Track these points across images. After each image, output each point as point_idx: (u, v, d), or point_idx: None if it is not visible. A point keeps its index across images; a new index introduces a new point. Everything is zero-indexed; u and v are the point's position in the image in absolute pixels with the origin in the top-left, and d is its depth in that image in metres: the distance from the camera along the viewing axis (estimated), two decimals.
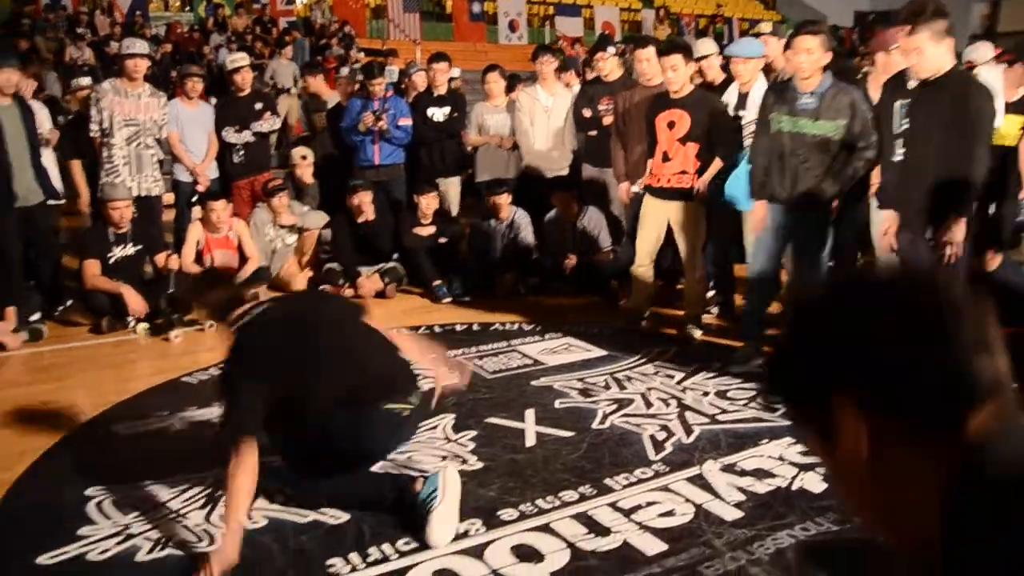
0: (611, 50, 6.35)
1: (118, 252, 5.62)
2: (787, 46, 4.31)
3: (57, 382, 4.51)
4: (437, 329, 5.37)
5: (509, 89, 7.04)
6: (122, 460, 3.46)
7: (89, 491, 3.14)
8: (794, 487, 3.13)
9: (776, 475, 3.23)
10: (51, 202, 5.74)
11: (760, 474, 3.24)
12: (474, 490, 3.13)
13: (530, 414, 3.88)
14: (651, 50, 5.39)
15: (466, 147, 6.98)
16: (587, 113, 6.20)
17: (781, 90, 4.38)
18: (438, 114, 6.76)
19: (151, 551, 2.75)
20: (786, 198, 4.34)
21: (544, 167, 6.45)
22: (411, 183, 6.78)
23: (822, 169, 4.23)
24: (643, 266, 5.18)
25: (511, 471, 3.30)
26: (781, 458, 3.38)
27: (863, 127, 4.15)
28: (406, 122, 6.66)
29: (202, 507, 3.04)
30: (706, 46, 5.68)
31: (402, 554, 2.71)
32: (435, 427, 3.74)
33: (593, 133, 6.18)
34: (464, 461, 3.40)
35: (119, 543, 2.80)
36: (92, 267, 5.49)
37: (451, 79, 7.87)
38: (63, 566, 2.68)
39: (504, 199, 6.32)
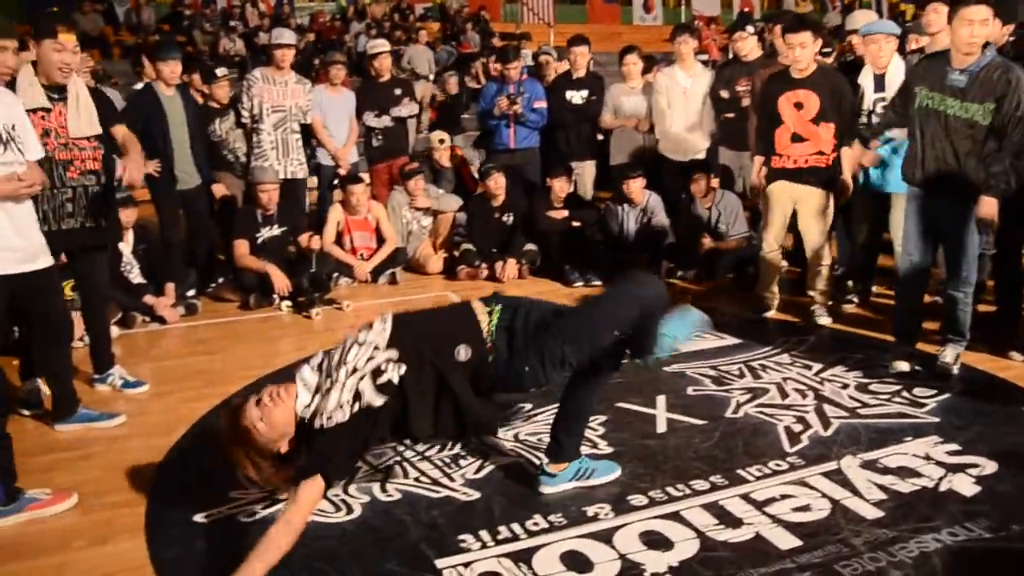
0: (750, 29, 6.15)
1: (265, 233, 5.92)
2: (951, 16, 3.80)
3: (210, 354, 4.80)
4: None
5: (645, 71, 6.94)
6: None
7: None
8: (941, 488, 2.97)
9: (922, 475, 3.07)
10: None
11: (904, 473, 3.09)
12: None
13: (661, 400, 3.84)
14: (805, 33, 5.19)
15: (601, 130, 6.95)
16: (724, 94, 6.03)
17: (933, 62, 3.98)
18: (576, 97, 6.74)
19: None
20: (922, 181, 4.00)
21: (680, 150, 6.32)
22: (545, 166, 6.80)
23: (968, 157, 3.82)
24: (772, 251, 5.03)
25: (641, 457, 3.28)
26: (927, 457, 3.21)
27: (1019, 111, 3.68)
28: (541, 105, 6.68)
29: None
30: (865, 17, 5.40)
31: (531, 534, 2.74)
32: None
33: (731, 115, 6.01)
34: (594, 445, 3.40)
35: (265, 507, 2.96)
36: (242, 247, 5.81)
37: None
38: (216, 524, 2.87)
39: (638, 183, 6.25)
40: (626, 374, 4.18)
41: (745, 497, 2.94)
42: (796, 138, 4.76)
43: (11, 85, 3.56)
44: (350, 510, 2.95)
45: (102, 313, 4.27)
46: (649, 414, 3.71)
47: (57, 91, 3.76)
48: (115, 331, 5.14)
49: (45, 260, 3.45)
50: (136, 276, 5.46)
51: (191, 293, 5.77)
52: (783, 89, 4.77)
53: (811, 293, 5.06)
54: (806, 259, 5.12)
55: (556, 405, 3.73)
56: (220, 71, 6.48)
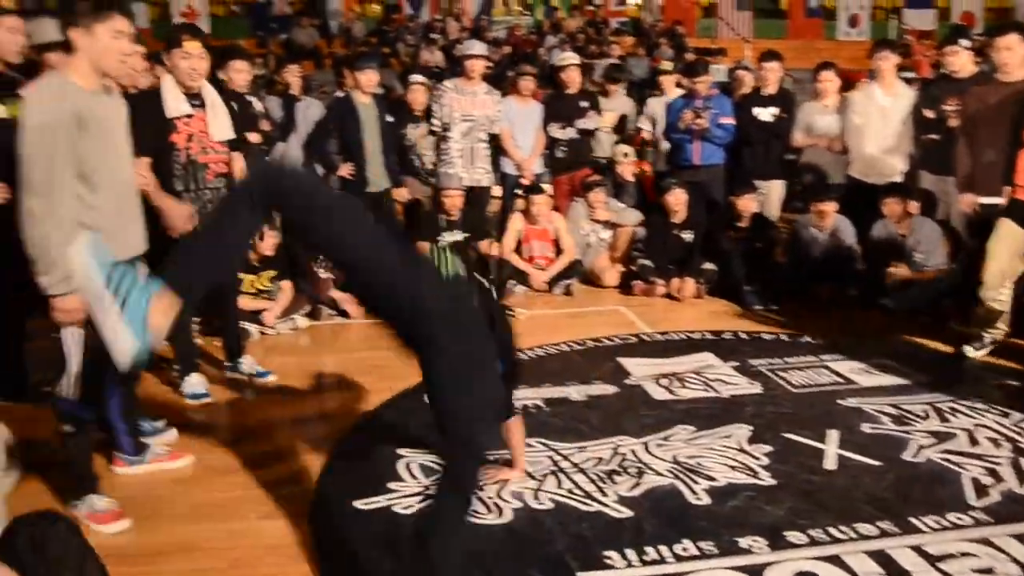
0: (963, 43, 5.69)
1: (447, 237, 6.13)
2: None
3: (387, 351, 4.96)
4: (743, 336, 5.19)
5: (842, 88, 6.62)
6: (431, 427, 3.76)
7: (401, 451, 3.47)
8: None
9: None
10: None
11: None
12: (761, 506, 3.01)
13: (832, 435, 3.62)
14: (1013, 37, 4.73)
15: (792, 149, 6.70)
16: (929, 114, 5.62)
17: None
18: (764, 114, 6.53)
19: None
20: None
21: (875, 172, 5.96)
22: (730, 184, 6.63)
23: None
24: (993, 289, 4.49)
25: (804, 492, 3.11)
26: None
27: None
28: (727, 121, 6.51)
29: (495, 481, 3.22)
30: None
31: (679, 559, 2.68)
32: (729, 436, 3.63)
33: (935, 137, 5.59)
34: (755, 475, 3.26)
35: (420, 501, 3.06)
36: (424, 249, 6.04)
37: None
38: (373, 513, 3.00)
39: (829, 206, 5.95)
40: (796, 405, 4.01)
41: (917, 549, 2.71)
42: None
43: None
44: (501, 513, 2.99)
45: (233, 304, 4.54)
46: (817, 448, 3.50)
47: (195, 97, 4.02)
48: (303, 322, 5.52)
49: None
50: (325, 271, 5.81)
51: None
52: None
53: None
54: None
55: (723, 433, 3.65)
56: (414, 77, 6.78)
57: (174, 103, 3.93)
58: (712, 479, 3.23)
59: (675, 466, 3.35)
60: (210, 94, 4.11)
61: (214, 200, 4.07)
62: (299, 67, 6.79)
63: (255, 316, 5.28)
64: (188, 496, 3.20)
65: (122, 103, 3.12)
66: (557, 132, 6.89)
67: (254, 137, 5.47)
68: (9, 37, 3.89)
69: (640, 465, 3.36)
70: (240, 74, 5.45)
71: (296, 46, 14.81)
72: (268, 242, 5.29)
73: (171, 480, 3.34)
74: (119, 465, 3.38)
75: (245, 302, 5.32)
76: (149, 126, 3.69)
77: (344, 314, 5.68)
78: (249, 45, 13.95)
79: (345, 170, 6.02)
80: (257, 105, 5.72)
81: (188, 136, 3.98)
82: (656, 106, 7.38)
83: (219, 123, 4.10)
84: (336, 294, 5.69)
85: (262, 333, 5.30)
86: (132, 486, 3.29)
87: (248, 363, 4.53)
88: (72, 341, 2.86)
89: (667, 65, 7.97)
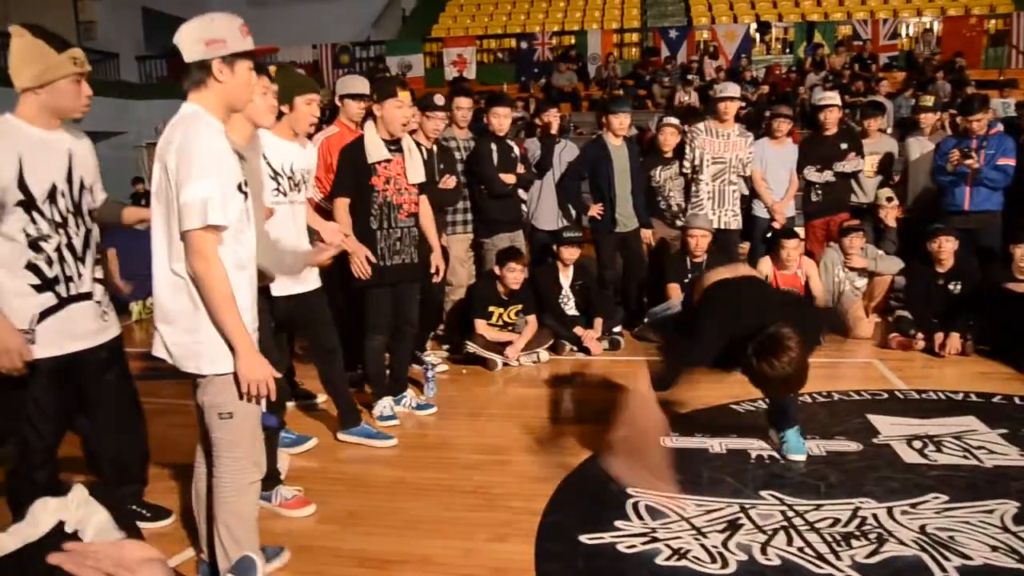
0: None
1: (694, 279, 6.09)
2: None
3: (622, 391, 5.06)
4: (1018, 401, 4.68)
5: None
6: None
7: (630, 490, 3.50)
8: None
9: None
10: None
11: None
12: None
13: None
14: None
15: None
16: None
17: None
18: None
19: (669, 558, 2.97)
20: None
21: None
22: (1009, 231, 6.02)
23: None
24: None
25: None
26: None
27: None
28: (1006, 162, 5.94)
29: (721, 531, 3.16)
30: None
31: None
32: (991, 511, 3.30)
33: None
34: (1022, 560, 2.93)
35: (644, 543, 3.07)
36: (676, 290, 6.05)
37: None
38: (596, 548, 3.05)
39: None
40: None
41: None
42: None
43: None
44: (725, 564, 2.93)
45: (409, 338, 4.71)
46: None
47: (395, 144, 4.31)
48: (545, 355, 5.72)
49: (314, 282, 3.88)
50: (570, 308, 6.00)
51: (617, 329, 6.16)
52: None
53: None
54: None
55: (983, 507, 3.33)
56: (665, 119, 6.86)
57: (375, 149, 4.28)
58: (967, 557, 2.95)
59: (922, 537, 3.10)
60: (407, 140, 4.43)
61: (403, 238, 4.37)
62: (558, 110, 7.09)
63: (500, 347, 5.56)
64: (427, 510, 3.44)
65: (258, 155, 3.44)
66: (812, 175, 6.66)
67: (509, 178, 5.81)
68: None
69: (881, 531, 3.14)
70: (501, 119, 5.82)
71: (555, 90, 15.41)
72: (515, 276, 5.55)
73: (415, 493, 3.61)
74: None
75: (492, 333, 5.63)
76: (351, 170, 4.17)
77: (586, 351, 5.82)
78: (512, 90, 14.76)
79: (595, 210, 6.20)
80: (515, 148, 6.06)
81: (386, 179, 4.32)
82: (914, 146, 6.92)
83: (415, 167, 4.40)
84: (579, 331, 5.85)
85: (505, 364, 5.57)
86: (380, 495, 3.61)
87: (411, 395, 4.77)
88: None
89: (927, 101, 7.43)
